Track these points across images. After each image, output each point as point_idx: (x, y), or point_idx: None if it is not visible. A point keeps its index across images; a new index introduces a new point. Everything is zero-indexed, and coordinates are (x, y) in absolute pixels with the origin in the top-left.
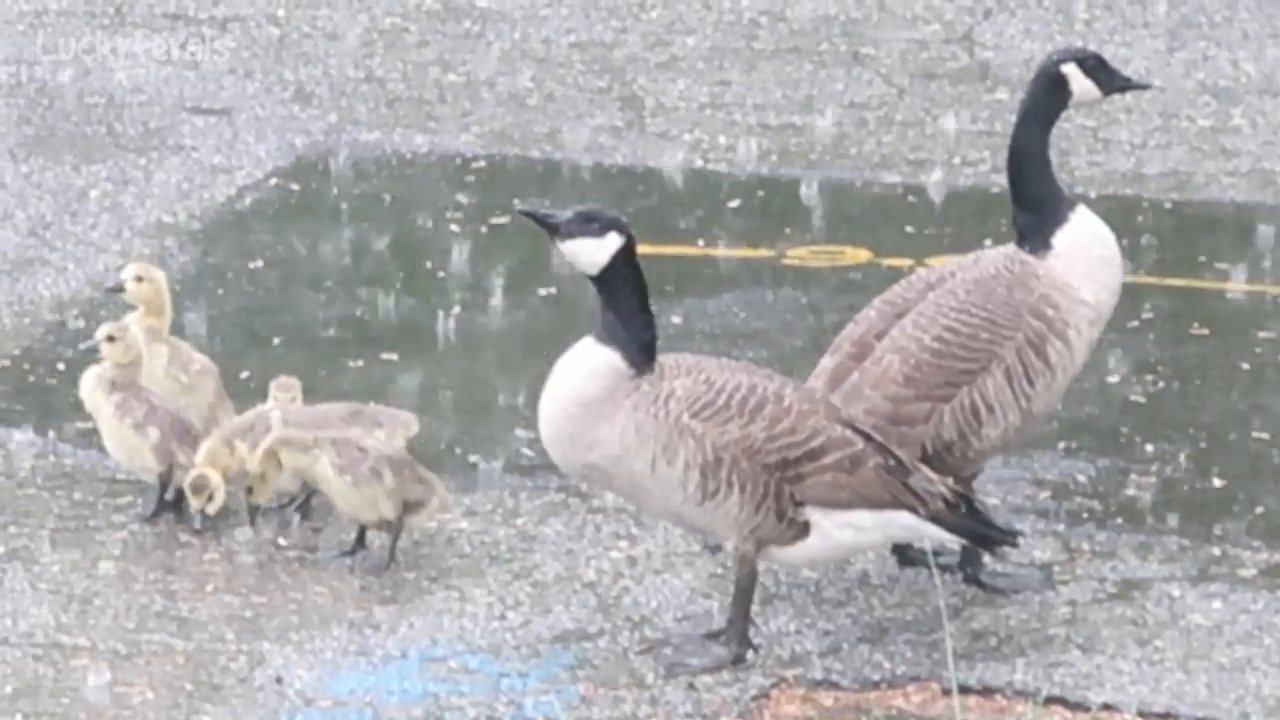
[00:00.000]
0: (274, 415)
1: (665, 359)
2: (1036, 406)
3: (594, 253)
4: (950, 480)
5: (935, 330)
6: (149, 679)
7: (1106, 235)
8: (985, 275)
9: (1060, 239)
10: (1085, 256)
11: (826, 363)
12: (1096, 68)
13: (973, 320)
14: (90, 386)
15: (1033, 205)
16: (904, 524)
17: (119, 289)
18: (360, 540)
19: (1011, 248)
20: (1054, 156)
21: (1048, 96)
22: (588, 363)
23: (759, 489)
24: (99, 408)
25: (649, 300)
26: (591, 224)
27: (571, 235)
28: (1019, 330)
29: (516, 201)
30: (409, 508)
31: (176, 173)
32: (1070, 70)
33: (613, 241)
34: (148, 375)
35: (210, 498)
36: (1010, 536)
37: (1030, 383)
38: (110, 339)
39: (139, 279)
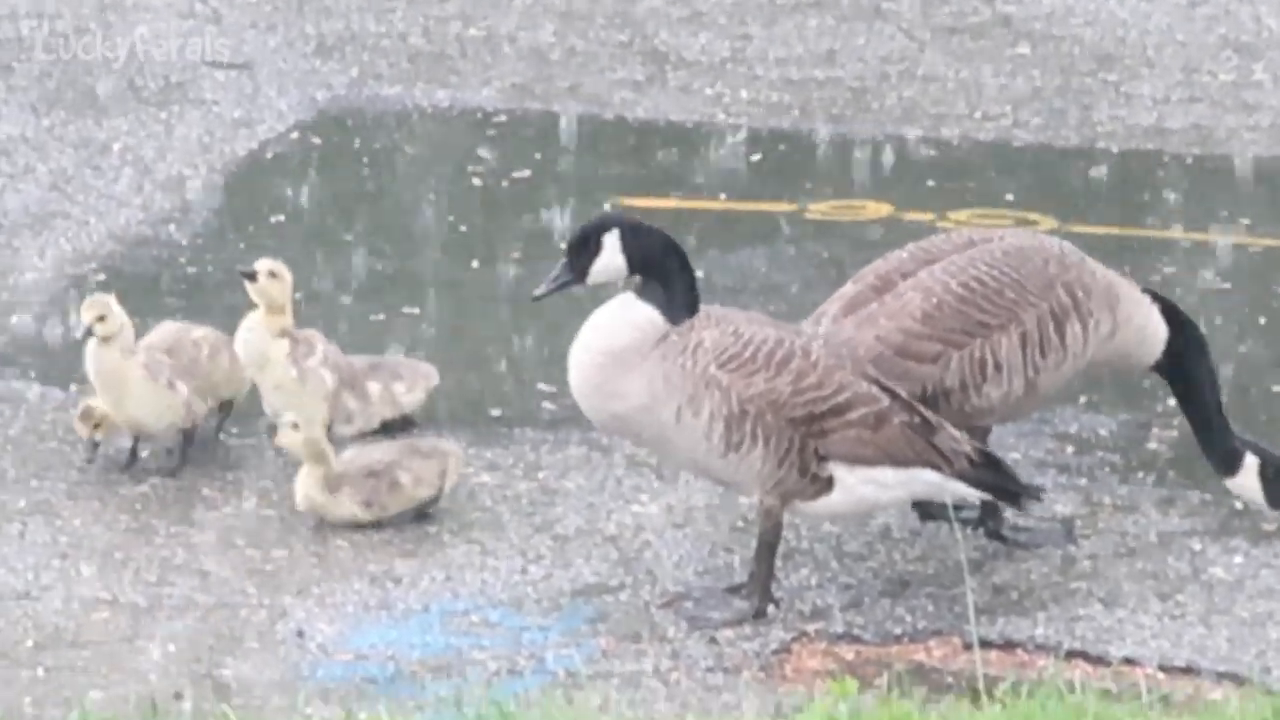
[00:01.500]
0: None
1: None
2: (1041, 381)
3: (611, 262)
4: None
5: (964, 278)
6: (170, 632)
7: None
8: (1030, 245)
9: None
10: (1139, 328)
11: (847, 289)
12: None
13: (1003, 277)
14: (106, 363)
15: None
16: (928, 481)
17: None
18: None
19: (1068, 243)
20: (1076, 112)
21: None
22: (623, 315)
23: (783, 443)
24: (124, 379)
25: (686, 256)
26: (586, 246)
27: (586, 270)
28: (1046, 300)
29: (532, 294)
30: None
31: (198, 126)
32: None
33: (612, 240)
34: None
35: (97, 426)
36: (1035, 492)
37: (1042, 354)
38: (101, 319)
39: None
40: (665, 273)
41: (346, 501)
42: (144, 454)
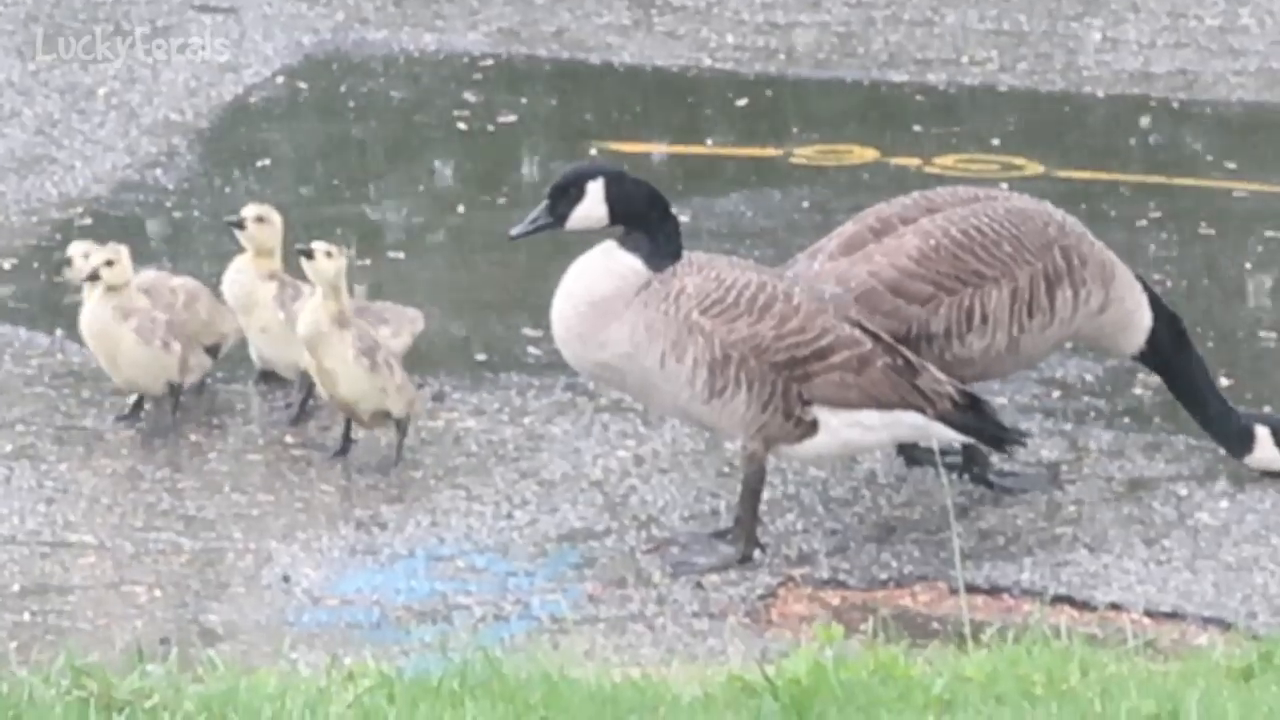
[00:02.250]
0: None
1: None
2: (1024, 342)
3: (592, 211)
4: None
5: (964, 226)
6: (156, 577)
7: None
8: (1031, 207)
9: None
10: (1128, 312)
11: (846, 228)
12: None
13: (1003, 231)
14: (101, 321)
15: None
16: (911, 423)
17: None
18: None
19: (1071, 216)
20: (1061, 57)
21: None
22: (606, 263)
23: (766, 387)
24: (117, 339)
25: (669, 206)
26: (568, 192)
27: (566, 215)
28: (1041, 260)
29: (509, 233)
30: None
31: (184, 71)
32: None
33: (596, 189)
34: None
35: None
36: (1019, 436)
37: (1029, 314)
38: (109, 263)
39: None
40: (648, 224)
41: (350, 339)
42: (148, 406)
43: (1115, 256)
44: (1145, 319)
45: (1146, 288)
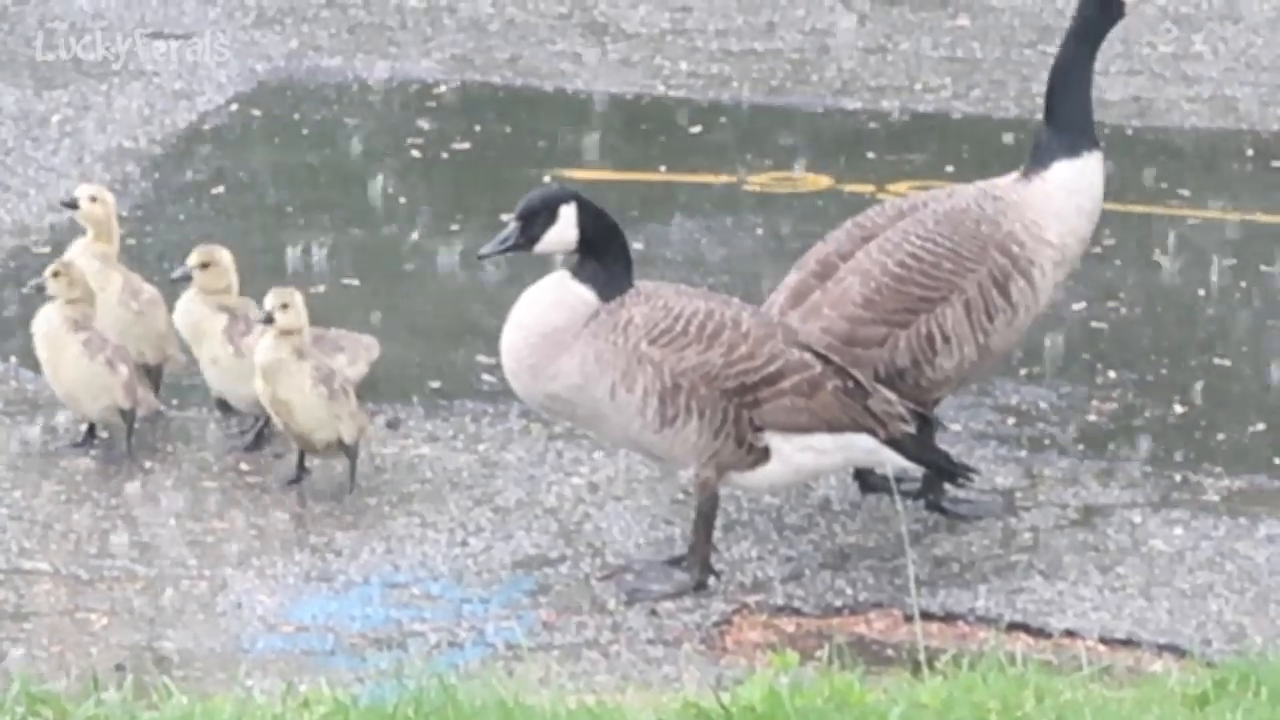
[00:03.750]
0: None
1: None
2: (994, 342)
3: (564, 235)
4: (908, 403)
5: (899, 256)
6: (111, 604)
7: (1098, 190)
8: (956, 208)
9: (1058, 171)
10: (1069, 199)
11: (791, 279)
12: None
13: (937, 249)
14: (52, 326)
15: (1061, 125)
16: (863, 447)
17: (73, 205)
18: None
19: (987, 184)
20: (1015, 84)
21: (1100, 10)
22: (558, 293)
23: (718, 415)
24: (62, 347)
25: (623, 235)
26: (540, 215)
27: (537, 238)
28: (983, 264)
29: (479, 252)
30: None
31: (138, 98)
32: None
33: (569, 212)
34: (102, 304)
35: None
36: (965, 472)
37: (989, 318)
38: (56, 274)
39: (93, 199)
40: (607, 252)
41: (308, 370)
42: (103, 434)
43: (1026, 194)
44: (1082, 181)
45: (1040, 159)
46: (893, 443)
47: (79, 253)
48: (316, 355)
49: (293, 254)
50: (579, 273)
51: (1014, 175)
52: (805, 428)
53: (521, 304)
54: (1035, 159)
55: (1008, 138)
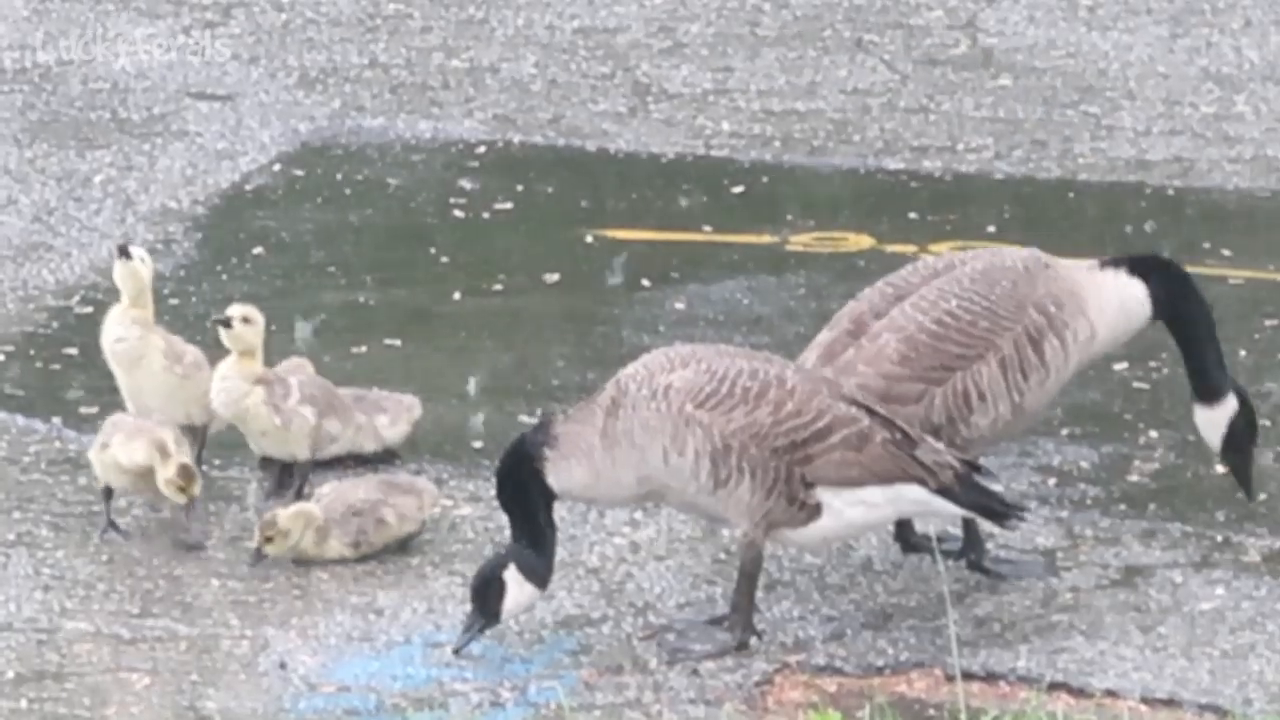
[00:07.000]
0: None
1: (651, 355)
2: (1028, 402)
3: (519, 596)
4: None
5: (935, 314)
6: (152, 664)
7: (1140, 319)
8: (994, 266)
9: (1120, 277)
10: (1122, 304)
11: (823, 337)
12: None
13: (974, 308)
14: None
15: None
16: (913, 498)
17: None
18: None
19: (1032, 250)
20: (1057, 144)
21: None
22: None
23: (769, 473)
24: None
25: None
26: (489, 589)
27: (497, 614)
28: (1019, 323)
29: (452, 648)
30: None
31: (180, 158)
32: None
33: (513, 575)
34: (144, 370)
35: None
36: (1018, 511)
37: (1024, 376)
38: (245, 320)
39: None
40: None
41: (335, 545)
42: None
43: (1080, 271)
44: (1134, 299)
45: (1123, 261)
46: (943, 491)
47: (116, 319)
48: (268, 375)
49: (335, 314)
50: (511, 550)
51: (1089, 262)
52: (856, 481)
53: None
54: (1114, 262)
55: (1050, 198)
